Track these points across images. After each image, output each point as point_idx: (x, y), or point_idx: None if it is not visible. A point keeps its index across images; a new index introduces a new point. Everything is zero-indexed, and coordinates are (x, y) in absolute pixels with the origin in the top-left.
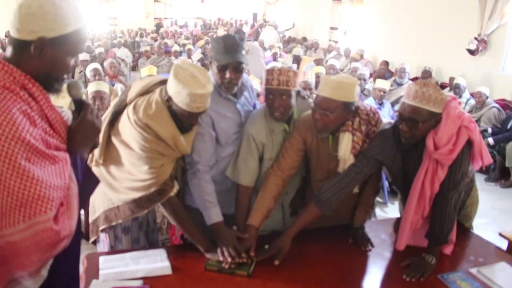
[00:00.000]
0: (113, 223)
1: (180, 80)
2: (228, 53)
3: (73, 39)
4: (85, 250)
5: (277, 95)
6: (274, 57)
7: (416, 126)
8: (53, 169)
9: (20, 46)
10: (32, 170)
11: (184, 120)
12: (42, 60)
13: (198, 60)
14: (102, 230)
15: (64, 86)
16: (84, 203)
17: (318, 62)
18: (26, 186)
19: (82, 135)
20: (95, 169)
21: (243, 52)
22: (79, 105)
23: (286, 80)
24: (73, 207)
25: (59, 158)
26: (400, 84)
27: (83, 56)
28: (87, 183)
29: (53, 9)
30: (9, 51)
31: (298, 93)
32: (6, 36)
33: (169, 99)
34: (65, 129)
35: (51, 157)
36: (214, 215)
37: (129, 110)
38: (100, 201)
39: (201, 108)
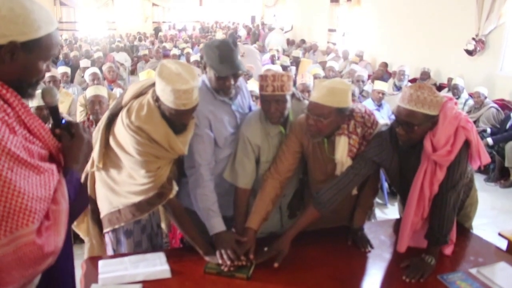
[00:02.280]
0: (116, 226)
1: (164, 77)
2: (225, 63)
3: (45, 43)
4: (83, 254)
5: (273, 101)
6: (272, 60)
7: (412, 129)
8: (38, 180)
9: None
10: (14, 181)
11: (174, 120)
12: (14, 65)
13: (193, 62)
14: (106, 233)
15: (38, 92)
16: (73, 221)
17: (323, 65)
18: (7, 198)
19: (80, 152)
20: (96, 174)
21: (239, 57)
22: (54, 113)
23: (280, 86)
24: (60, 223)
25: (44, 169)
26: (399, 88)
27: (84, 63)
28: (79, 201)
29: (24, 12)
30: None
31: (293, 95)
32: None
33: (157, 99)
34: (46, 133)
35: (35, 167)
36: (217, 224)
37: (123, 113)
38: (103, 205)
39: (188, 105)
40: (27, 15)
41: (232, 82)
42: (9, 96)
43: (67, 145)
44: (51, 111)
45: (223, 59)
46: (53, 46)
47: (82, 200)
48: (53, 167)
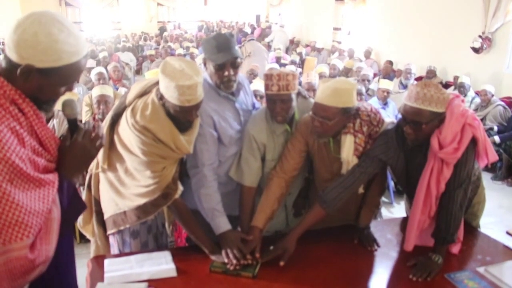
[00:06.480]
0: (121, 228)
1: (167, 74)
2: (222, 51)
3: (63, 72)
4: (89, 253)
5: (278, 100)
6: (278, 60)
7: (420, 127)
8: (37, 193)
9: (10, 64)
10: (13, 193)
11: (179, 117)
12: (29, 84)
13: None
14: (111, 234)
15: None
16: (67, 228)
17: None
18: (4, 210)
19: (72, 158)
20: (100, 175)
21: (236, 47)
22: (73, 125)
23: (286, 85)
24: (52, 232)
25: (45, 182)
26: (406, 86)
27: (89, 63)
28: (72, 209)
29: (46, 40)
30: (3, 63)
31: (298, 93)
32: (2, 44)
33: (162, 97)
34: (56, 146)
35: (36, 180)
36: (223, 223)
37: (127, 113)
38: (108, 206)
39: (192, 102)
40: (49, 44)
41: (232, 72)
42: (25, 106)
43: (61, 150)
44: (69, 123)
45: (220, 48)
46: (74, 74)
47: (76, 208)
48: (55, 178)
